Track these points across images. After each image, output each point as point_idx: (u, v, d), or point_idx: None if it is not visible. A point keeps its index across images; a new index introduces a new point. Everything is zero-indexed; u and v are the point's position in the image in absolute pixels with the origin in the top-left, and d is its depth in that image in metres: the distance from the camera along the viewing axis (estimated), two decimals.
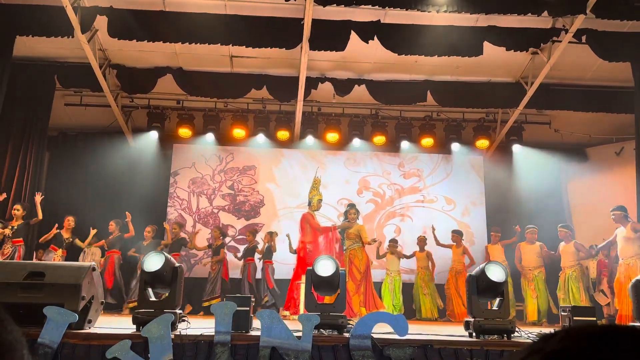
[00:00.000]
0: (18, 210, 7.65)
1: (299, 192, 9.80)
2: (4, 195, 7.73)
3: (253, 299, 8.27)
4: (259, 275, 8.74)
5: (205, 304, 8.32)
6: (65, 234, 8.31)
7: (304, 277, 6.50)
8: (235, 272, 9.11)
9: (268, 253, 8.73)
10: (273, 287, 8.47)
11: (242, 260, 8.94)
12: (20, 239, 7.61)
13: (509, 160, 10.31)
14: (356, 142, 10.03)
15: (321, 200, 7.12)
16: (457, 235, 9.19)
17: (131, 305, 8.22)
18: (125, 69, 8.79)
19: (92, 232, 8.42)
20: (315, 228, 6.83)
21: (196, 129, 9.82)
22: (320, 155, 10.32)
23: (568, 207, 10.56)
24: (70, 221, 8.38)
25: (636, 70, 8.04)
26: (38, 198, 7.84)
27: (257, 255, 8.81)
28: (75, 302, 3.39)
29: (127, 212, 8.60)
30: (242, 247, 9.33)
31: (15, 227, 7.55)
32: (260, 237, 9.10)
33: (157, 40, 7.60)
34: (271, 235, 8.83)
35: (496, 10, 7.05)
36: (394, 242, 9.24)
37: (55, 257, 8.08)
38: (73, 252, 8.42)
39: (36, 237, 8.39)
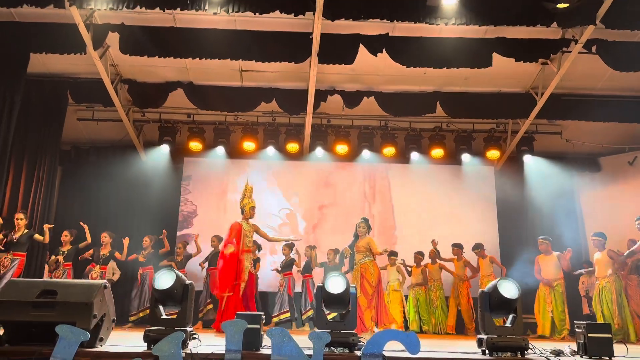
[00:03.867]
0: (66, 236, 8.19)
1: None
2: (52, 227, 7.92)
3: (288, 313, 8.33)
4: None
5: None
6: (103, 250, 8.43)
7: (227, 290, 6.34)
8: (265, 286, 9.20)
9: (307, 267, 8.77)
10: (313, 300, 8.50)
11: (281, 274, 8.86)
12: (69, 262, 8.10)
13: (520, 171, 10.24)
14: (366, 153, 10.02)
15: (254, 207, 6.87)
16: (457, 248, 9.15)
17: (133, 318, 8.33)
18: (137, 84, 8.89)
19: (126, 242, 8.50)
20: (237, 240, 6.53)
21: (207, 142, 9.88)
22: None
23: (581, 217, 10.44)
24: (104, 237, 8.49)
25: None
26: (85, 226, 8.37)
27: (294, 269, 8.84)
28: (87, 320, 3.40)
29: (164, 230, 8.79)
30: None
31: (66, 252, 8.07)
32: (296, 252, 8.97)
33: (168, 56, 7.68)
34: (311, 250, 8.83)
35: (505, 22, 7.06)
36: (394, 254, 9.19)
37: (92, 274, 8.23)
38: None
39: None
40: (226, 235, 6.76)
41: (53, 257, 8.02)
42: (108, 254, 8.40)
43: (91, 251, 8.39)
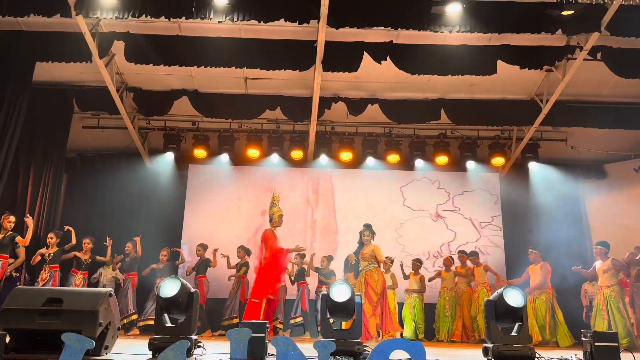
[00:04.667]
0: (52, 238, 8.05)
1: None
2: (30, 219, 7.82)
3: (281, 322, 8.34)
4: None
5: (225, 323, 8.49)
6: (84, 256, 8.37)
7: (264, 299, 6.47)
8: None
9: (300, 275, 8.80)
10: (306, 309, 8.51)
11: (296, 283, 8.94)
12: (57, 264, 7.97)
13: (525, 178, 10.19)
14: (370, 160, 10.02)
15: (282, 215, 7.06)
16: (448, 260, 9.27)
17: (142, 323, 8.32)
18: (142, 92, 8.94)
19: (109, 242, 8.58)
20: (272, 246, 6.68)
21: (211, 149, 9.91)
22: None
23: (587, 224, 10.39)
24: (87, 243, 8.44)
25: None
26: (71, 229, 8.26)
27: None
28: (93, 328, 3.41)
29: (136, 238, 8.76)
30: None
31: (52, 255, 7.96)
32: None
33: (173, 64, 7.73)
34: (301, 258, 8.85)
35: (509, 29, 7.06)
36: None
37: (76, 280, 8.19)
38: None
39: (67, 263, 8.44)
40: (260, 244, 6.97)
41: (38, 257, 7.90)
42: (90, 260, 8.37)
43: (73, 253, 8.27)
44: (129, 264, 8.63)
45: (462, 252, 9.28)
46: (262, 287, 6.61)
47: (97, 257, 8.51)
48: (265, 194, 10.20)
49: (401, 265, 9.24)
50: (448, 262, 9.27)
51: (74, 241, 8.20)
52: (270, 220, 6.98)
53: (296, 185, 10.39)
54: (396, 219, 10.30)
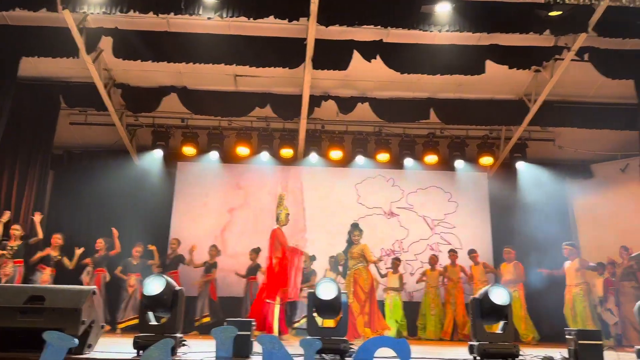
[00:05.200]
0: (17, 230, 7.61)
1: None
2: (8, 213, 7.70)
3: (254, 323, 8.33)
4: None
5: (197, 323, 8.48)
6: (54, 252, 7.97)
7: (277, 298, 6.48)
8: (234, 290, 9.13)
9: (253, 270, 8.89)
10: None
11: (246, 279, 8.91)
12: (21, 259, 7.52)
13: (513, 178, 10.26)
14: (360, 159, 10.02)
15: (288, 214, 7.06)
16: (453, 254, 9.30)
17: (122, 325, 8.19)
18: (130, 88, 8.86)
19: (78, 252, 8.17)
20: (284, 245, 6.70)
21: (200, 147, 9.85)
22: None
23: (574, 224, 10.47)
24: (57, 239, 8.07)
25: (639, 86, 8.04)
26: (37, 217, 7.81)
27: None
28: (76, 326, 3.36)
29: (113, 229, 8.49)
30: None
31: (15, 247, 7.45)
32: None
33: (162, 60, 7.67)
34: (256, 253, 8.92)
35: (498, 29, 7.09)
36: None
37: (43, 277, 7.76)
38: (63, 271, 8.14)
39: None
40: (269, 244, 6.92)
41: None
42: (59, 257, 8.01)
43: (46, 251, 7.93)
44: (99, 260, 8.37)
45: (452, 251, 9.29)
46: (276, 287, 6.50)
47: (64, 259, 8.07)
48: (236, 191, 10.26)
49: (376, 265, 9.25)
50: (433, 260, 9.29)
51: (40, 235, 7.76)
52: (277, 220, 6.98)
53: (265, 183, 10.32)
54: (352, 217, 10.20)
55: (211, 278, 8.81)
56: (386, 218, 10.40)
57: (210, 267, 8.87)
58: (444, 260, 9.42)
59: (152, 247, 8.72)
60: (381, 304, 8.90)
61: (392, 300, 8.95)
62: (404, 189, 10.53)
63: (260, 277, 8.72)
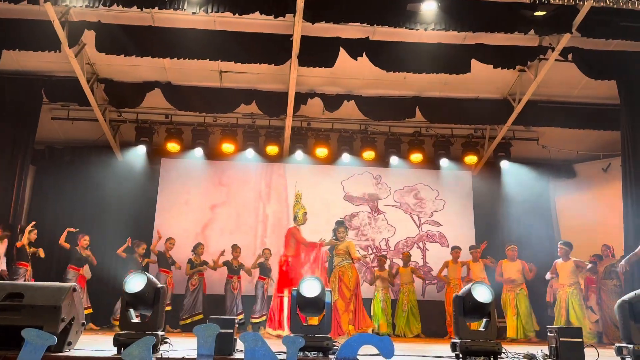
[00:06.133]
0: None
1: None
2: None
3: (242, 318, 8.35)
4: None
5: (188, 320, 8.50)
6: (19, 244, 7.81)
7: (286, 291, 6.55)
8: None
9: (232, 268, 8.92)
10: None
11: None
12: None
13: (497, 176, 10.34)
14: (345, 157, 10.01)
15: (306, 213, 7.08)
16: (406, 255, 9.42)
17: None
18: (113, 83, 8.75)
19: (28, 228, 7.90)
20: (301, 242, 6.80)
21: (185, 143, 9.76)
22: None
23: (556, 223, 10.59)
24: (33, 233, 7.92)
25: (622, 87, 8.16)
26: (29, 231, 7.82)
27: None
28: (55, 324, 3.31)
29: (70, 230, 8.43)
30: None
31: None
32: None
33: (146, 55, 7.59)
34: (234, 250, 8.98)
35: (483, 28, 7.13)
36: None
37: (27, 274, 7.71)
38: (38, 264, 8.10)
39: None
40: (285, 241, 7.12)
41: None
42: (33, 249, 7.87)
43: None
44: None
45: (456, 248, 9.24)
46: (286, 281, 6.73)
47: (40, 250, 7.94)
48: (218, 188, 10.22)
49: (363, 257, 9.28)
50: (406, 258, 9.35)
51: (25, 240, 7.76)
52: (295, 219, 7.00)
53: (249, 180, 10.29)
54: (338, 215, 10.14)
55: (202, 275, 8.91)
56: (372, 215, 10.41)
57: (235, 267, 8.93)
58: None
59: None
60: (368, 301, 8.95)
61: (384, 297, 8.93)
62: (391, 187, 10.56)
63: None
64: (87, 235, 8.45)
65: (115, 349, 3.48)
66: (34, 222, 8.03)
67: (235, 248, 8.94)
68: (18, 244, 7.79)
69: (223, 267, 8.90)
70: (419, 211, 10.52)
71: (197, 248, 8.98)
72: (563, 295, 7.97)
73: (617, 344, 3.73)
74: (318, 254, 6.96)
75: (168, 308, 8.18)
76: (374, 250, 10.17)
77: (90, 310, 8.09)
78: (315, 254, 6.93)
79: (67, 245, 8.26)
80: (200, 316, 8.48)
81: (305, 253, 6.92)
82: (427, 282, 9.95)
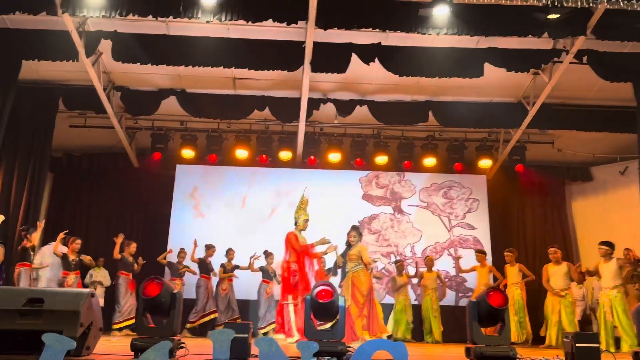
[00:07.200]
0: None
1: None
2: (2, 217, 7.65)
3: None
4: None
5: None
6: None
7: (290, 298, 6.53)
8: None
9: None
10: None
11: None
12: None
13: (512, 180, 10.27)
14: (358, 162, 10.01)
15: (307, 220, 7.02)
16: (481, 254, 9.00)
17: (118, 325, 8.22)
18: (129, 91, 8.89)
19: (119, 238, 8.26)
20: (295, 248, 6.73)
21: (199, 150, 9.87)
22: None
23: (573, 226, 10.48)
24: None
25: (638, 90, 8.05)
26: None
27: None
28: (74, 328, 3.36)
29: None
30: None
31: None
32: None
33: (161, 64, 7.68)
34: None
35: (496, 32, 7.11)
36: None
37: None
38: None
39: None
40: (285, 246, 6.95)
41: None
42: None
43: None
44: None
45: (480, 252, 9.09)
46: (288, 287, 6.65)
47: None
48: (235, 193, 10.26)
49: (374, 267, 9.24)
50: (430, 262, 9.30)
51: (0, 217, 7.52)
52: (295, 224, 6.98)
53: (264, 186, 10.35)
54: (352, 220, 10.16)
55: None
56: (395, 217, 10.31)
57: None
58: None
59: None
60: (388, 307, 8.93)
61: (407, 301, 8.92)
62: (416, 184, 10.46)
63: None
64: (79, 239, 8.09)
65: (132, 353, 3.53)
66: (66, 231, 8.01)
67: (229, 251, 9.01)
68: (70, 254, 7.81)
69: (258, 271, 8.92)
70: (449, 212, 10.39)
71: (228, 253, 9.02)
72: (606, 300, 7.22)
73: (633, 350, 3.69)
74: (312, 257, 6.88)
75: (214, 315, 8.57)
76: (397, 257, 9.95)
77: (133, 321, 7.91)
78: (309, 261, 6.86)
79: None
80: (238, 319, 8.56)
81: (304, 258, 6.82)
82: (460, 294, 9.87)
